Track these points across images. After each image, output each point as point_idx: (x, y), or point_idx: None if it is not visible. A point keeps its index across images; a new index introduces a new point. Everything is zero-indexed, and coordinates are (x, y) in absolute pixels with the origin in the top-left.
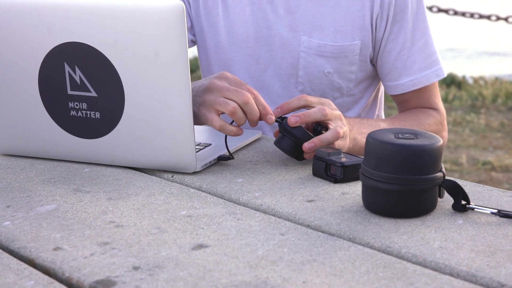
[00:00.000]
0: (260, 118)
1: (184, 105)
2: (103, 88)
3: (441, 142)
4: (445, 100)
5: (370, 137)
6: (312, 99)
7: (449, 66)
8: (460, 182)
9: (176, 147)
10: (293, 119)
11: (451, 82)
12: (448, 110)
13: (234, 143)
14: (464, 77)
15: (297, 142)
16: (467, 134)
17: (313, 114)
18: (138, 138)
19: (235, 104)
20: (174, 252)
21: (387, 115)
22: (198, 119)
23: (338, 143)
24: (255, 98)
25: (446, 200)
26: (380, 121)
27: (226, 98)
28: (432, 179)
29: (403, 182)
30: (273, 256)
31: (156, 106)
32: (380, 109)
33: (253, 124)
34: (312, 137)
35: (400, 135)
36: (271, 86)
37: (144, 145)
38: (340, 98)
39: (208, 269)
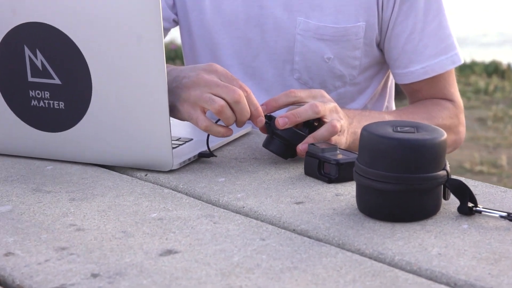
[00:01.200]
0: (249, 119)
1: (158, 94)
2: (68, 74)
3: (444, 136)
4: (485, 91)
5: (365, 131)
6: (301, 93)
7: (493, 53)
8: (470, 182)
9: (150, 142)
10: (281, 121)
11: (493, 71)
12: (488, 104)
13: (219, 138)
14: (509, 65)
15: (287, 144)
16: (509, 131)
17: (303, 113)
18: (107, 131)
19: (223, 102)
20: (139, 258)
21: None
22: (180, 116)
23: (335, 139)
24: (247, 97)
25: (452, 203)
26: (386, 113)
27: (214, 95)
28: (433, 178)
29: (400, 181)
30: (249, 263)
31: (127, 95)
32: (390, 100)
33: (241, 124)
34: (305, 136)
35: (399, 128)
36: (264, 73)
37: (114, 140)
38: (343, 87)
39: (175, 276)
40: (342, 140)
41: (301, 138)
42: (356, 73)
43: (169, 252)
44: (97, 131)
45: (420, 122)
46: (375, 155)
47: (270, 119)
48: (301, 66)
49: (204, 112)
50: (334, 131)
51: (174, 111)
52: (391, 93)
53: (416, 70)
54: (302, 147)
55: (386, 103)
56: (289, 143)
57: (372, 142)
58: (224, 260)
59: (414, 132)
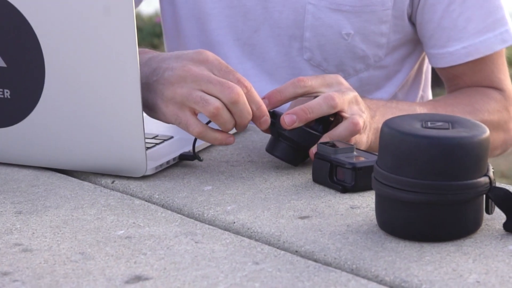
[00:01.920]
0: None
1: (128, 81)
2: (15, 56)
3: (487, 133)
4: None
5: (386, 126)
6: (313, 82)
7: None
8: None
9: (117, 140)
10: (288, 118)
11: None
12: None
13: None
14: None
15: (296, 147)
16: None
17: (316, 107)
18: (64, 127)
19: (218, 103)
20: (100, 286)
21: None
22: (165, 118)
23: (355, 139)
24: (248, 93)
25: (497, 218)
26: (417, 105)
27: (206, 93)
28: (472, 186)
29: (430, 190)
30: None
31: (89, 82)
32: (426, 89)
33: (241, 128)
34: (319, 136)
35: (429, 123)
36: (266, 52)
37: (72, 138)
38: (366, 71)
39: None
40: (363, 139)
41: (314, 139)
42: (382, 53)
43: (138, 278)
44: (51, 126)
45: (458, 116)
46: (399, 157)
47: (274, 116)
48: (312, 43)
49: (195, 114)
50: (355, 130)
51: (156, 112)
52: (427, 79)
53: (456, 51)
54: (316, 150)
55: (420, 92)
56: (299, 146)
57: (394, 141)
58: None
59: (448, 129)
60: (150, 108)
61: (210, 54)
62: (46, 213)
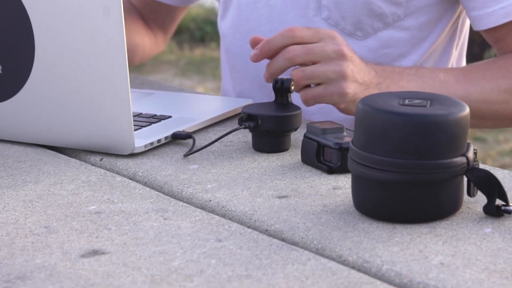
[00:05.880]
0: None
1: (116, 59)
2: (5, 31)
3: (465, 112)
4: None
5: (361, 103)
6: (303, 33)
7: None
8: (502, 174)
9: (106, 119)
10: (252, 56)
11: None
12: None
13: (208, 115)
14: None
15: (284, 134)
16: None
17: (307, 75)
18: (54, 104)
19: None
20: (54, 259)
21: None
22: None
23: (348, 87)
24: None
25: (480, 201)
26: (442, 70)
27: None
28: (447, 166)
29: (403, 169)
30: (191, 269)
31: (78, 61)
32: (461, 59)
33: None
34: (296, 112)
35: (407, 100)
36: (284, 14)
37: (61, 115)
38: (385, 29)
39: (92, 282)
40: (357, 89)
41: (293, 117)
42: (401, 12)
43: (94, 253)
44: (41, 103)
45: (439, 94)
46: (372, 135)
47: (254, 118)
48: (330, 1)
49: None
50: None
51: None
52: (461, 53)
53: (495, 11)
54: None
55: (452, 62)
56: (287, 131)
57: (368, 117)
58: (160, 265)
59: (425, 106)
60: None
61: None
62: (23, 188)
